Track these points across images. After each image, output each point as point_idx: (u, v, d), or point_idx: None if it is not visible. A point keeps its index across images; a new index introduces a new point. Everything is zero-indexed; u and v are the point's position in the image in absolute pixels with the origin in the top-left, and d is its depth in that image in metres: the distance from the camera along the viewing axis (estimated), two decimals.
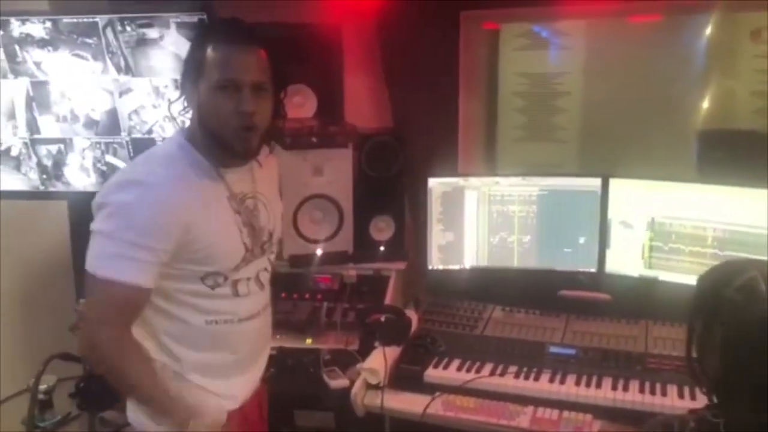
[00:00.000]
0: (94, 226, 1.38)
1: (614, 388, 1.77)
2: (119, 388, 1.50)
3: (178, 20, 1.87)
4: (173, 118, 1.53)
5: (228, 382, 1.57)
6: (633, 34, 2.34)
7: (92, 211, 1.40)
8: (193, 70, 1.42)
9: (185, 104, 1.49)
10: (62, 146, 2.07)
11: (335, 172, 2.25)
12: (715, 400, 1.21)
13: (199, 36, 1.46)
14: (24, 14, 1.94)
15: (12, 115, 2.06)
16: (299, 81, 2.37)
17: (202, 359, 1.52)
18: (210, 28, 1.48)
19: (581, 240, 2.17)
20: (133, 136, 2.01)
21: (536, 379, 1.84)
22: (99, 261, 1.35)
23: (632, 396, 1.73)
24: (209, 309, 1.50)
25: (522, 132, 2.56)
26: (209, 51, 1.39)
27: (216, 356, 1.54)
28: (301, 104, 2.38)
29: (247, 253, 1.52)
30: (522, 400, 1.78)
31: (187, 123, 1.52)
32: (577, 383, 1.80)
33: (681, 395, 1.71)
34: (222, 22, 1.48)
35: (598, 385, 1.78)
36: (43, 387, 1.98)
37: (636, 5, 2.22)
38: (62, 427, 2.05)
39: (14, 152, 2.11)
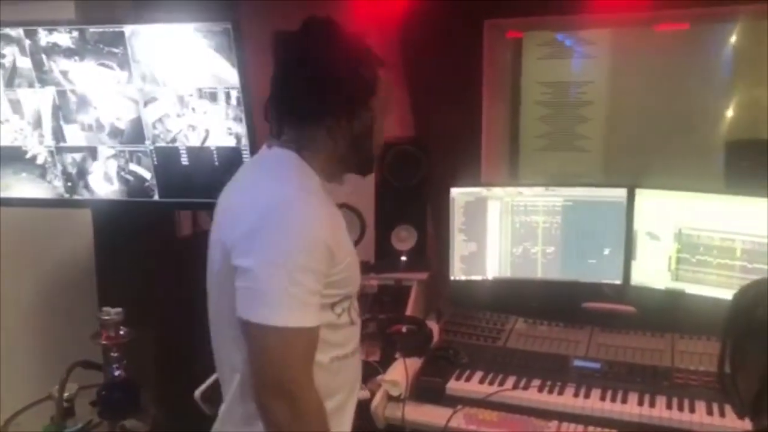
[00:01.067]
0: (256, 262, 1.20)
1: (640, 403, 1.73)
2: None
3: (204, 30, 1.88)
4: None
5: (342, 423, 1.41)
6: (659, 43, 2.32)
7: (234, 246, 1.24)
8: (361, 88, 1.30)
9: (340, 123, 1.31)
10: (87, 155, 2.09)
11: (357, 182, 2.21)
12: (751, 419, 1.19)
13: (366, 57, 1.33)
14: (51, 24, 1.96)
15: (38, 124, 2.08)
16: None
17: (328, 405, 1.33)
18: (369, 49, 1.35)
19: (606, 251, 2.14)
20: (158, 144, 2.02)
21: (560, 393, 1.80)
22: (277, 309, 1.18)
23: (659, 412, 1.69)
24: (334, 342, 1.34)
25: (545, 141, 2.54)
26: (382, 76, 1.34)
27: (335, 399, 1.37)
28: None
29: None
30: (546, 414, 1.75)
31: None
32: (602, 398, 1.77)
33: (710, 411, 1.67)
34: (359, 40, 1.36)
35: (624, 401, 1.75)
36: (65, 395, 1.99)
37: (662, 14, 2.20)
38: None
39: (40, 160, 2.13)
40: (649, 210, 2.08)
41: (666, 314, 2.04)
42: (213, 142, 1.98)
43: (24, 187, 2.18)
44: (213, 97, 1.93)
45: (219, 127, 1.96)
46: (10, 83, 2.05)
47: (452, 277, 2.24)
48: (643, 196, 2.09)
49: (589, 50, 2.46)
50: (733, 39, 2.23)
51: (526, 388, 1.83)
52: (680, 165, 2.23)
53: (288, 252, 1.20)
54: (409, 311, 2.20)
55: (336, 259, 1.25)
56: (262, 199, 1.26)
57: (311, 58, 1.29)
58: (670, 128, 2.33)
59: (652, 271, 2.08)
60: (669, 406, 1.71)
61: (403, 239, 2.35)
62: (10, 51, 2.00)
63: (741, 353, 1.18)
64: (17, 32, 1.98)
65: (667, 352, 1.92)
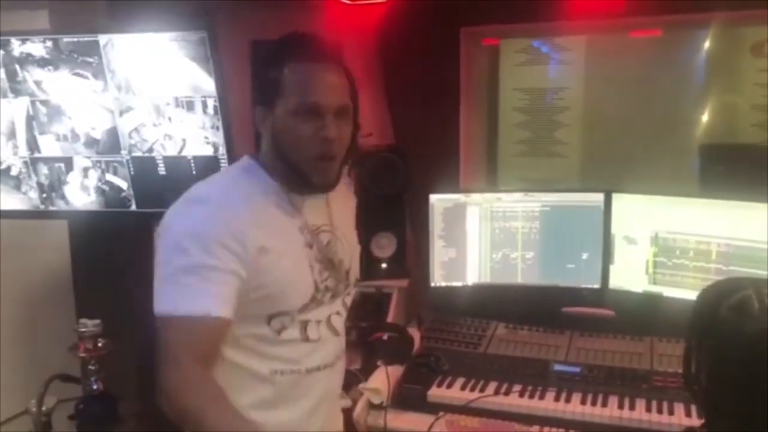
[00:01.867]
0: (157, 257, 1.24)
1: (620, 406, 1.74)
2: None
3: (179, 39, 1.87)
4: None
5: None
6: (633, 50, 2.34)
7: (154, 240, 1.27)
8: (267, 91, 1.27)
9: (261, 129, 1.32)
10: (62, 165, 2.07)
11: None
12: (706, 417, 1.20)
13: (274, 54, 1.29)
14: (24, 34, 1.95)
15: (12, 135, 2.06)
16: None
17: (262, 416, 1.33)
18: (286, 45, 1.28)
19: (584, 256, 2.15)
20: (134, 154, 2.00)
21: (541, 397, 1.81)
22: (172, 297, 1.20)
23: (639, 414, 1.71)
24: (275, 356, 1.33)
25: (523, 147, 2.55)
26: (287, 71, 1.25)
27: (278, 413, 1.36)
28: None
29: (317, 293, 1.35)
30: (527, 419, 1.76)
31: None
32: (583, 402, 1.78)
33: (688, 413, 1.69)
34: (300, 37, 1.29)
35: (604, 404, 1.76)
36: (43, 409, 1.96)
37: (636, 21, 2.23)
38: None
39: (14, 171, 2.11)
40: (626, 214, 2.10)
41: (644, 317, 2.06)
42: (190, 151, 1.98)
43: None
44: (190, 105, 1.93)
45: (196, 136, 1.96)
46: None
47: (432, 284, 2.25)
48: (619, 200, 2.11)
49: (565, 56, 2.47)
50: (707, 45, 2.26)
51: (507, 393, 1.84)
52: (656, 169, 2.25)
53: (175, 244, 1.22)
54: (390, 318, 2.21)
55: (255, 267, 1.23)
56: (181, 198, 1.29)
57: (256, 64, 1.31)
58: (645, 133, 2.35)
59: (630, 274, 2.10)
60: (648, 409, 1.73)
61: (383, 247, 2.34)
62: None
63: (702, 351, 1.19)
64: None
65: (646, 355, 1.94)
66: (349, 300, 1.49)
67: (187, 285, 1.19)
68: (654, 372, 1.86)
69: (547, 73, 2.52)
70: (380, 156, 2.31)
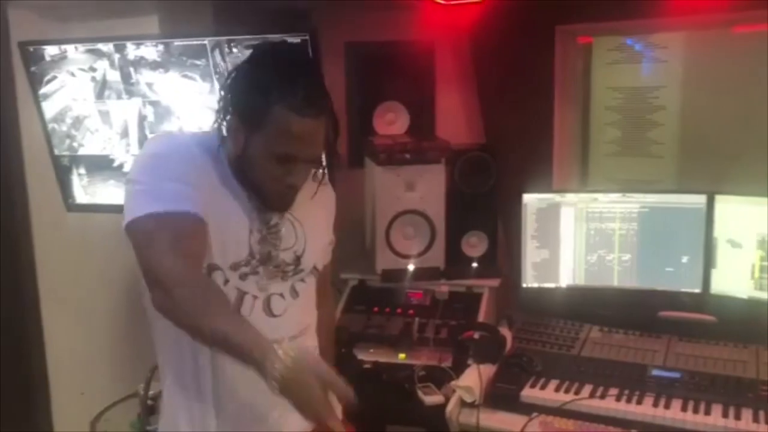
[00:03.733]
0: (126, 181, 1.30)
1: (725, 415, 1.67)
2: (200, 331, 1.20)
3: (282, 41, 1.94)
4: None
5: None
6: (735, 45, 2.26)
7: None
8: (251, 116, 1.28)
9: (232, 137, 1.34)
10: None
11: (428, 188, 2.26)
12: None
13: (266, 84, 1.27)
14: (139, 38, 2.06)
15: (125, 134, 2.19)
16: (392, 98, 2.42)
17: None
18: (280, 82, 1.27)
19: (684, 259, 2.09)
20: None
21: (639, 402, 1.77)
22: (137, 206, 1.23)
23: (746, 425, 1.63)
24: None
25: (616, 147, 2.50)
26: (276, 111, 1.25)
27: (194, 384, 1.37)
28: (393, 121, 2.42)
29: (251, 258, 1.37)
30: (624, 424, 1.72)
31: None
32: (684, 408, 1.72)
33: None
34: (294, 79, 1.28)
35: (707, 412, 1.69)
36: (150, 393, 2.07)
37: (740, 15, 2.14)
38: None
39: (126, 168, 2.23)
40: (729, 217, 2.02)
41: (749, 324, 1.97)
42: None
43: (112, 193, 2.29)
44: None
45: None
46: (100, 95, 2.16)
47: (524, 284, 2.23)
48: (723, 202, 2.03)
49: (661, 54, 2.41)
50: None
51: (603, 396, 1.80)
52: (760, 170, 2.16)
53: (138, 165, 1.31)
54: (481, 318, 2.20)
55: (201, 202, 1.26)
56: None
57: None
58: (749, 132, 2.26)
59: (734, 279, 2.02)
60: (756, 419, 1.65)
61: (474, 245, 2.35)
62: (101, 65, 2.12)
63: None
64: (108, 47, 2.09)
65: (752, 364, 1.86)
66: (302, 288, 1.47)
67: (162, 190, 1.24)
68: (761, 381, 1.78)
69: (641, 71, 2.46)
70: (471, 155, 2.32)
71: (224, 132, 1.35)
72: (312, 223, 1.50)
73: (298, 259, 1.45)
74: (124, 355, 2.54)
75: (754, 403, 1.70)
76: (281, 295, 1.42)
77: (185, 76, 2.05)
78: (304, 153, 1.32)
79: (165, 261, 1.18)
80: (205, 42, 2.00)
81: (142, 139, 2.18)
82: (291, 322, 1.44)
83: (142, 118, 2.15)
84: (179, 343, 1.34)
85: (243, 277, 1.35)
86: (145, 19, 2.23)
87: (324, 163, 1.44)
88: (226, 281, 1.33)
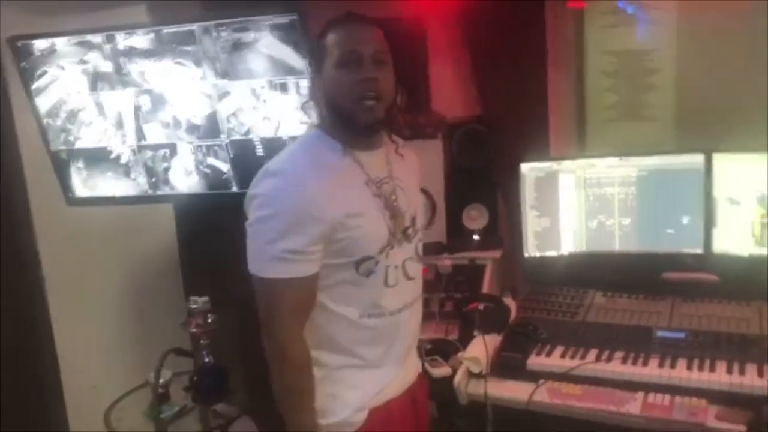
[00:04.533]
0: (248, 221, 1.44)
1: (729, 371, 1.69)
2: (291, 405, 1.50)
3: (272, 23, 1.93)
4: (307, 116, 1.60)
5: (374, 376, 1.55)
6: (726, 5, 2.23)
7: (245, 208, 1.46)
8: (317, 59, 1.46)
9: (315, 98, 1.52)
10: (167, 151, 2.18)
11: (426, 163, 2.23)
12: None
13: (321, 31, 1.48)
14: (128, 28, 2.05)
15: (121, 125, 2.19)
16: None
17: (353, 356, 1.52)
18: (330, 21, 1.48)
19: (685, 220, 2.09)
20: (233, 138, 2.09)
21: (644, 364, 1.78)
22: (261, 263, 1.40)
23: (751, 380, 1.65)
24: (365, 300, 1.50)
25: (613, 112, 2.49)
26: (329, 36, 1.43)
27: (367, 351, 1.53)
28: None
29: (390, 236, 1.50)
30: (631, 386, 1.73)
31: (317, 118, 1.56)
32: (689, 367, 1.73)
33: None
34: (343, 14, 1.49)
35: (712, 369, 1.71)
36: (160, 381, 2.09)
37: None
38: (179, 419, 2.16)
39: (123, 160, 2.24)
40: (728, 175, 2.02)
41: (751, 281, 1.97)
42: (286, 132, 2.04)
43: (111, 185, 2.29)
44: (283, 87, 1.99)
45: (291, 116, 2.01)
46: (93, 87, 2.16)
47: (526, 254, 2.24)
48: (721, 160, 2.03)
49: (655, 16, 2.38)
50: None
51: (609, 360, 1.82)
52: (758, 127, 2.14)
53: (262, 217, 1.40)
54: (484, 289, 2.22)
55: (334, 225, 1.40)
56: (260, 171, 1.46)
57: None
58: (744, 91, 2.24)
59: (735, 237, 2.03)
60: (760, 374, 1.66)
61: (475, 218, 2.35)
62: (92, 56, 2.11)
63: None
64: (98, 38, 2.08)
65: (755, 320, 1.87)
66: (420, 247, 1.62)
67: (277, 252, 1.37)
68: (764, 337, 1.79)
69: (636, 34, 2.44)
70: (468, 128, 2.32)
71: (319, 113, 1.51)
72: (411, 186, 1.62)
73: (413, 221, 1.58)
74: (133, 345, 2.57)
75: (758, 358, 1.71)
76: (411, 258, 1.57)
77: (177, 63, 2.04)
78: (362, 47, 1.41)
79: (287, 334, 1.43)
80: (194, 27, 1.99)
81: (138, 129, 2.18)
82: (419, 281, 1.63)
83: (137, 108, 2.15)
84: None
85: (387, 254, 1.49)
86: (134, 9, 2.22)
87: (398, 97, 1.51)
88: (377, 263, 1.47)
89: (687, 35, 2.32)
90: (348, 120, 1.44)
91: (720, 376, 1.68)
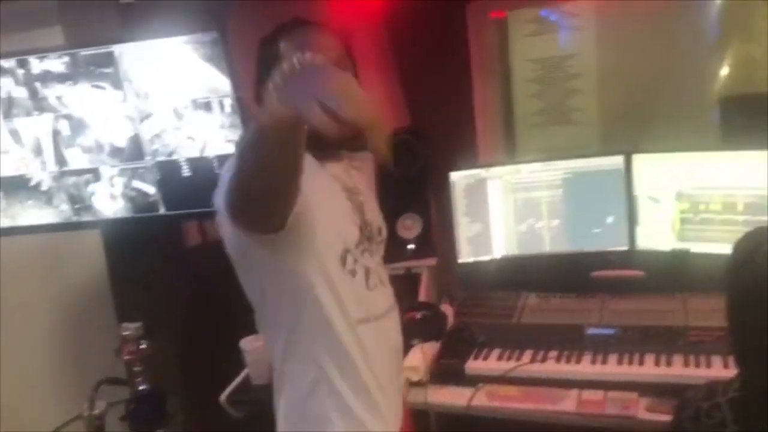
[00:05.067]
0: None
1: (657, 364, 1.75)
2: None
3: (192, 42, 1.91)
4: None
5: (376, 408, 1.39)
6: (644, 8, 2.32)
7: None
8: (267, 67, 1.20)
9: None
10: (90, 176, 2.12)
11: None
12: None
13: (270, 36, 1.37)
14: (42, 51, 1.99)
15: (39, 151, 2.12)
16: None
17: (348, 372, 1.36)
18: (280, 25, 1.37)
19: (609, 219, 2.16)
20: (158, 159, 2.05)
21: (578, 361, 1.83)
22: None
23: (678, 370, 1.71)
24: (357, 300, 1.36)
25: (540, 117, 2.55)
26: (282, 42, 1.33)
27: (360, 366, 1.36)
28: None
29: (362, 237, 1.41)
30: (565, 383, 1.78)
31: None
32: (619, 362, 1.79)
33: (726, 365, 1.68)
34: (294, 18, 1.38)
35: (641, 363, 1.77)
36: (95, 412, 2.03)
37: None
38: None
39: (44, 187, 2.16)
40: (647, 174, 2.10)
41: (674, 275, 2.05)
42: (212, 151, 2.01)
43: (32, 214, 2.22)
44: (207, 106, 1.96)
45: (216, 136, 1.99)
46: (7, 114, 2.08)
47: (460, 260, 2.27)
48: (640, 161, 2.10)
49: (575, 22, 2.46)
50: None
51: (543, 360, 1.86)
52: (677, 127, 2.23)
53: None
54: (421, 298, 2.23)
55: (314, 207, 1.24)
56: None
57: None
58: (663, 91, 2.33)
59: (657, 233, 2.10)
60: (686, 364, 1.73)
61: (409, 227, 2.37)
62: (5, 82, 2.04)
63: (748, 304, 1.20)
64: (10, 63, 2.01)
65: (680, 312, 1.94)
66: (381, 258, 1.53)
67: None
68: (689, 327, 1.86)
69: (558, 40, 2.50)
70: (398, 138, 2.33)
71: None
72: (372, 197, 1.55)
73: (379, 230, 1.51)
74: (66, 378, 2.48)
75: (684, 349, 1.78)
76: (380, 264, 1.49)
77: (95, 86, 1.99)
78: (325, 54, 1.17)
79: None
80: (113, 49, 1.95)
81: (58, 155, 2.12)
82: (390, 289, 1.52)
83: (56, 134, 2.08)
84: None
85: (363, 253, 1.40)
86: (49, 30, 2.16)
87: None
88: (355, 260, 1.37)
89: (606, 39, 2.40)
90: (313, 133, 1.25)
91: (649, 369, 1.74)
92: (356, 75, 1.38)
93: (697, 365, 1.72)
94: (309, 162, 1.27)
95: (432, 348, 1.96)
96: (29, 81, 2.03)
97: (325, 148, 1.34)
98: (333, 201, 1.38)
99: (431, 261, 2.33)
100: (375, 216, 1.51)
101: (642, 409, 1.65)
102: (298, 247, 1.28)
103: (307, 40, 1.31)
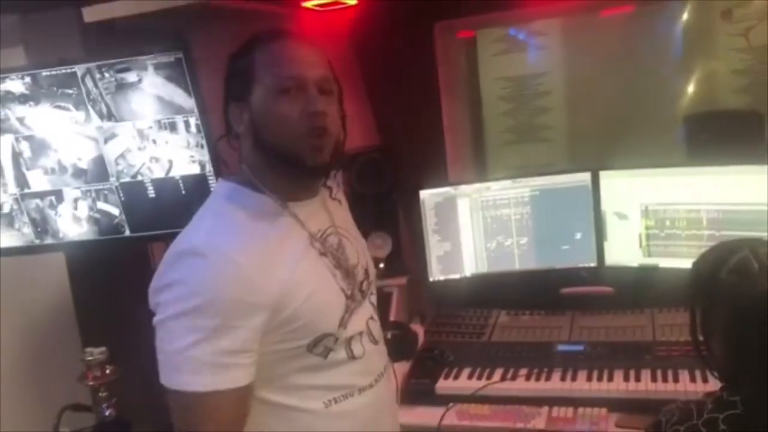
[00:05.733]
0: (156, 318, 1.10)
1: (626, 379, 1.76)
2: None
3: (155, 61, 1.89)
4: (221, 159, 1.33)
5: None
6: (608, 28, 2.36)
7: (149, 301, 1.13)
8: (239, 83, 1.15)
9: (235, 134, 1.20)
10: (53, 198, 2.08)
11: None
12: (726, 380, 1.21)
13: (241, 48, 1.19)
14: (1, 72, 1.96)
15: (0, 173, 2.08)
16: None
17: None
18: (253, 36, 1.19)
19: (578, 236, 2.17)
20: (122, 180, 2.02)
21: (547, 378, 1.83)
22: (182, 374, 1.06)
23: (645, 385, 1.72)
24: (327, 385, 1.20)
25: (510, 135, 2.57)
26: (257, 54, 1.14)
27: None
28: None
29: (348, 300, 1.22)
30: (536, 401, 1.78)
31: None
32: (589, 378, 1.80)
33: (693, 379, 1.71)
34: (268, 28, 1.20)
35: (610, 378, 1.78)
36: None
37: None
38: None
39: (6, 209, 2.11)
40: (614, 191, 2.12)
41: (642, 290, 2.07)
42: (177, 172, 1.98)
43: None
44: (172, 127, 1.94)
45: (182, 156, 1.96)
46: None
47: (431, 278, 2.26)
48: (606, 177, 2.12)
49: (542, 41, 2.49)
50: (680, 15, 2.27)
51: (514, 378, 1.85)
52: (643, 144, 2.26)
53: (182, 312, 1.06)
54: (392, 317, 2.22)
55: (278, 307, 1.11)
56: (171, 250, 1.14)
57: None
58: (629, 109, 2.37)
59: (625, 249, 2.12)
60: (654, 379, 1.74)
61: (379, 246, 2.36)
62: None
63: (711, 317, 1.21)
64: None
65: (648, 327, 1.95)
66: (374, 299, 1.36)
67: (206, 356, 1.06)
68: (656, 343, 1.87)
69: (526, 59, 2.53)
70: (367, 157, 2.33)
71: (244, 156, 1.20)
72: (354, 231, 1.39)
73: (366, 273, 1.33)
74: (29, 405, 2.41)
75: (652, 364, 1.80)
76: (372, 317, 1.31)
77: (57, 106, 1.96)
78: (307, 71, 1.13)
79: None
80: (75, 69, 1.92)
81: (20, 177, 2.07)
82: (383, 344, 1.36)
83: (17, 155, 2.04)
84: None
85: (346, 324, 1.21)
86: (10, 51, 2.13)
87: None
88: (336, 339, 1.19)
89: (573, 58, 2.44)
90: (290, 162, 1.14)
91: (618, 385, 1.75)
92: (341, 95, 1.25)
93: (665, 380, 1.73)
94: (281, 231, 1.16)
95: (403, 368, 1.95)
96: None
97: (302, 179, 1.21)
98: (310, 286, 1.17)
99: (401, 280, 2.33)
100: (359, 252, 1.33)
101: (612, 425, 1.65)
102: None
103: (289, 54, 1.15)
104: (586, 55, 2.43)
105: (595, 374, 1.80)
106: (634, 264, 2.10)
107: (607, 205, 2.12)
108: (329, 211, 1.31)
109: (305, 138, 1.13)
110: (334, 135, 1.18)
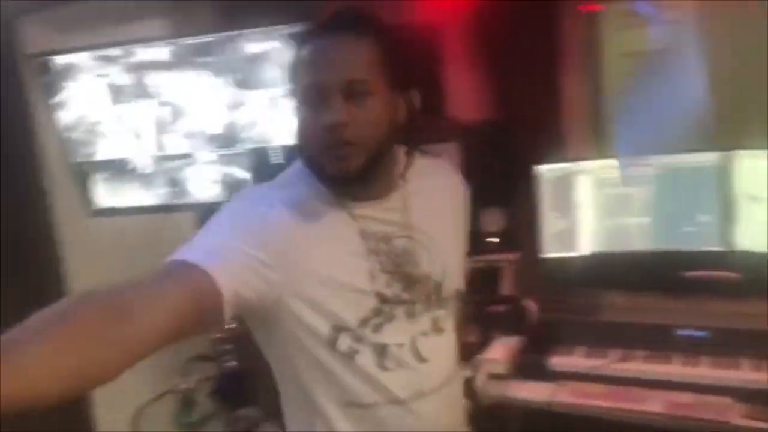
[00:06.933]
0: None
1: (755, 368, 1.69)
2: None
3: (286, 31, 1.96)
4: None
5: None
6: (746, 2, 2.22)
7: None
8: (290, 82, 1.13)
9: None
10: (187, 161, 2.22)
11: None
12: None
13: (299, 36, 1.14)
14: (147, 41, 2.09)
15: (141, 136, 2.22)
16: None
17: None
18: (313, 24, 1.12)
19: (705, 218, 2.08)
20: (251, 146, 2.12)
21: (667, 362, 1.78)
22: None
23: None
24: (345, 385, 1.13)
25: (633, 112, 2.48)
26: (300, 53, 1.09)
27: None
28: None
29: (383, 305, 1.13)
30: (654, 384, 1.74)
31: None
32: (712, 365, 1.73)
33: None
34: (329, 11, 1.11)
35: (736, 367, 1.71)
36: (186, 387, 2.12)
37: None
38: (205, 424, 2.18)
39: (144, 170, 2.27)
40: (748, 172, 2.00)
41: None
42: None
43: (132, 196, 2.33)
44: None
45: None
46: (113, 100, 2.20)
47: (545, 255, 2.23)
48: (740, 158, 2.01)
49: (672, 15, 2.38)
50: None
51: (631, 359, 1.82)
52: None
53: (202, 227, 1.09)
54: (504, 292, 2.22)
55: (290, 270, 1.07)
56: None
57: None
58: (765, 89, 2.23)
59: (756, 235, 2.00)
60: None
61: (493, 221, 2.35)
62: (112, 70, 2.15)
63: None
64: (117, 52, 2.12)
65: None
66: (445, 320, 1.21)
67: (199, 238, 1.05)
68: None
69: (653, 34, 2.43)
70: (484, 131, 2.32)
71: None
72: (440, 233, 1.23)
73: (438, 287, 1.20)
74: (154, 355, 2.59)
75: None
76: (425, 334, 1.17)
77: (196, 74, 2.07)
78: (327, 78, 1.05)
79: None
80: (210, 39, 2.02)
81: (160, 141, 2.22)
82: (440, 365, 1.20)
83: (156, 120, 2.19)
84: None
85: (377, 328, 1.13)
86: (151, 22, 2.26)
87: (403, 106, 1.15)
88: (359, 339, 1.11)
89: (706, 33, 2.31)
90: (316, 172, 1.11)
91: (745, 374, 1.68)
92: (408, 85, 1.15)
93: None
94: (330, 218, 1.12)
95: (514, 342, 1.95)
96: (134, 69, 2.13)
97: (360, 194, 1.14)
98: (341, 270, 1.11)
99: (515, 255, 2.31)
100: (435, 261, 1.20)
101: (738, 415, 1.59)
102: (278, 337, 1.14)
103: (315, 57, 1.07)
104: (721, 30, 2.30)
105: (719, 361, 1.74)
106: (766, 250, 1.99)
107: (740, 186, 2.01)
108: (408, 210, 1.19)
109: (324, 150, 1.08)
110: (364, 140, 1.08)
